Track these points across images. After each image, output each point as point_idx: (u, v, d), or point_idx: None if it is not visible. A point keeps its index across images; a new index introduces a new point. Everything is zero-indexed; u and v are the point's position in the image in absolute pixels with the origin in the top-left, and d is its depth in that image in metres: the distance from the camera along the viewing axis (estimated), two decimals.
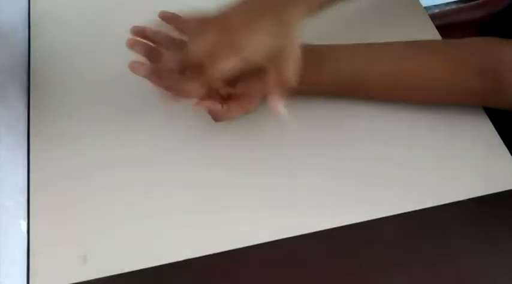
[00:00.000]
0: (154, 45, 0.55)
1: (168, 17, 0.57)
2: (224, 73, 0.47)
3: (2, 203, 0.48)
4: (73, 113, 0.59)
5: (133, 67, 0.53)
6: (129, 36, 0.56)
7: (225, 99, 0.54)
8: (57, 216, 0.53)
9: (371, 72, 0.55)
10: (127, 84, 0.60)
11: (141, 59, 0.55)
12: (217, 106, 0.53)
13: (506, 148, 0.56)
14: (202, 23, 0.49)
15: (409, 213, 0.52)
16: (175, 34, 0.57)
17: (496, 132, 0.57)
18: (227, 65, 0.47)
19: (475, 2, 0.82)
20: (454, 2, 1.49)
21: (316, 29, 0.63)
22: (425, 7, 0.67)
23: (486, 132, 0.57)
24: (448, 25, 0.79)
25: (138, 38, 0.55)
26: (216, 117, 0.54)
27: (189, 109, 0.58)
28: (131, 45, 0.54)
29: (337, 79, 0.55)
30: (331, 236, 0.51)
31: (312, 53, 0.54)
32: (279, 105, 0.48)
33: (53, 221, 0.52)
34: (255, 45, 0.47)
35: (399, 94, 0.57)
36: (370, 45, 0.56)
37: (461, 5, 0.85)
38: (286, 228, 0.51)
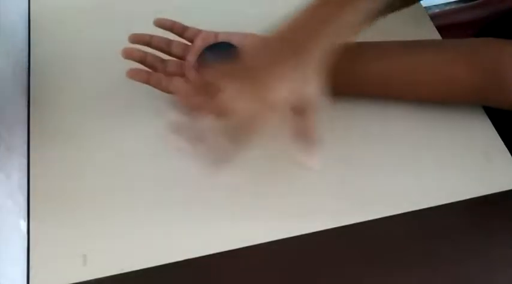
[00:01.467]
0: (149, 53, 0.56)
1: (165, 25, 0.58)
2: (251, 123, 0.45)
3: (2, 203, 0.48)
4: (73, 113, 0.59)
5: (132, 74, 0.55)
6: (129, 35, 0.56)
7: None
8: (57, 216, 0.53)
9: (369, 69, 0.55)
10: (127, 84, 0.60)
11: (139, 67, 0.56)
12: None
13: (506, 148, 0.56)
14: (226, 73, 0.46)
15: (409, 213, 0.52)
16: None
17: (496, 132, 0.57)
18: (255, 116, 0.44)
19: (475, 2, 0.82)
20: (454, 2, 1.50)
21: None
22: (425, 7, 0.67)
23: (486, 132, 0.57)
24: (448, 25, 0.79)
25: (133, 46, 0.56)
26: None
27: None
28: (127, 54, 0.55)
29: (336, 75, 0.55)
30: (331, 236, 0.51)
31: None
32: (307, 157, 0.46)
33: (53, 221, 0.52)
34: (281, 94, 0.44)
35: (398, 92, 0.57)
36: (370, 43, 0.56)
37: (462, 5, 0.85)
38: (286, 228, 0.51)
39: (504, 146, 0.56)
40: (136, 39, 0.57)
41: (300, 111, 0.45)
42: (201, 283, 0.50)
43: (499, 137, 0.57)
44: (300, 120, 0.46)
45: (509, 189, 0.53)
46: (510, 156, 0.55)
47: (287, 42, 0.46)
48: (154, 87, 0.55)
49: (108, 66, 0.62)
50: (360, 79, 0.56)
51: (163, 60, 0.57)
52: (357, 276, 0.50)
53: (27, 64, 0.63)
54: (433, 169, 0.55)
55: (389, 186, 0.54)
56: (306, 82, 0.45)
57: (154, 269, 0.49)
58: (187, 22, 0.59)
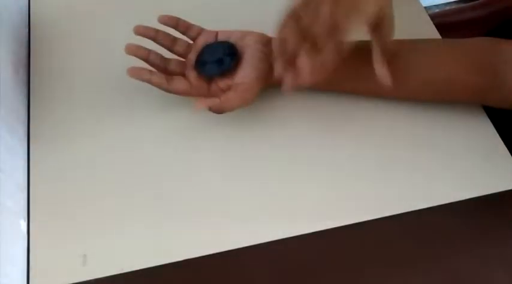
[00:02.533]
0: (152, 51, 0.56)
1: (169, 22, 0.57)
2: (349, 35, 0.48)
3: (2, 203, 0.48)
4: (73, 113, 0.59)
5: (133, 72, 0.54)
6: (129, 36, 0.56)
7: (224, 91, 0.55)
8: (57, 216, 0.53)
9: (369, 68, 0.55)
10: (127, 83, 0.60)
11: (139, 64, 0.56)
12: (215, 100, 0.53)
13: (506, 148, 0.56)
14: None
15: (408, 213, 0.52)
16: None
17: (496, 132, 0.57)
18: (352, 27, 0.47)
19: (475, 1, 0.82)
20: (454, 1, 1.50)
21: None
22: (425, 7, 0.67)
23: (486, 132, 0.57)
24: (448, 25, 0.79)
25: (137, 38, 0.56)
26: (217, 110, 0.54)
27: (190, 110, 0.58)
28: (130, 50, 0.55)
29: (336, 72, 0.55)
30: (331, 236, 0.51)
31: None
32: (384, 69, 0.51)
33: (53, 221, 0.52)
34: (371, 9, 0.48)
35: (398, 91, 0.57)
36: (369, 42, 0.56)
37: (461, 4, 0.85)
38: (286, 228, 0.51)
39: (504, 146, 0.56)
40: (142, 32, 0.56)
41: (377, 27, 0.50)
42: (201, 283, 0.50)
43: (499, 137, 0.57)
44: (378, 34, 0.50)
45: (509, 189, 0.53)
46: (510, 156, 0.55)
47: None
48: (156, 86, 0.55)
49: (109, 66, 0.62)
50: (357, 77, 0.56)
51: (165, 59, 0.57)
52: (356, 276, 0.50)
53: (27, 64, 0.63)
54: (432, 169, 0.55)
55: (389, 186, 0.54)
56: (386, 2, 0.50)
57: (154, 269, 0.49)
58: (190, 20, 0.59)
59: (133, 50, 0.55)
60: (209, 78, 0.55)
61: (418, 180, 0.54)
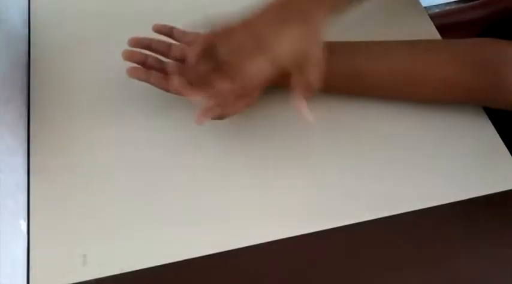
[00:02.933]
0: (149, 55, 0.56)
1: (163, 31, 0.58)
2: (255, 76, 0.48)
3: (2, 203, 0.48)
4: (73, 113, 0.59)
5: (131, 73, 0.54)
6: (129, 36, 0.56)
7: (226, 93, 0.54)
8: (57, 216, 0.53)
9: (370, 69, 0.55)
10: (127, 84, 0.60)
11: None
12: (216, 111, 0.52)
13: (506, 148, 0.56)
14: (227, 29, 0.50)
15: (408, 213, 0.52)
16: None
17: (496, 132, 0.57)
18: (259, 68, 0.47)
19: (475, 1, 0.82)
20: (454, 2, 1.50)
21: None
22: (425, 7, 0.67)
23: (486, 132, 0.57)
24: (448, 25, 0.79)
25: (134, 49, 0.56)
26: (219, 118, 0.54)
27: (190, 111, 0.58)
28: (128, 56, 0.55)
29: (335, 74, 0.55)
30: (331, 236, 0.51)
31: None
32: (304, 107, 0.49)
33: (53, 221, 0.52)
34: (283, 48, 0.47)
35: (398, 92, 0.57)
36: (370, 43, 0.56)
37: (461, 5, 0.85)
38: (285, 228, 0.51)
39: (504, 146, 0.56)
40: (136, 43, 0.57)
41: (299, 66, 0.48)
42: (201, 283, 0.50)
43: (499, 137, 0.57)
44: (299, 74, 0.49)
45: (509, 189, 0.53)
46: (510, 156, 0.55)
47: (291, 7, 0.49)
48: (154, 85, 0.55)
49: (109, 66, 0.62)
50: (358, 78, 0.56)
51: (162, 62, 0.57)
52: (356, 276, 0.50)
53: (27, 64, 0.63)
54: (432, 169, 0.55)
55: (389, 186, 0.54)
56: (309, 38, 0.48)
57: (154, 269, 0.49)
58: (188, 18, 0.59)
59: (131, 56, 0.56)
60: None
61: (417, 180, 0.54)
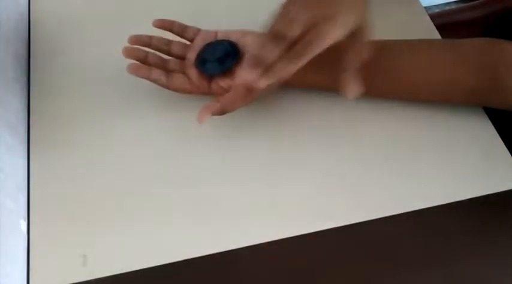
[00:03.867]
0: (150, 52, 0.56)
1: (163, 26, 0.58)
2: (328, 43, 0.47)
3: (2, 203, 0.48)
4: (73, 113, 0.59)
5: (132, 69, 0.54)
6: (129, 35, 0.56)
7: (225, 90, 0.54)
8: (57, 216, 0.53)
9: (368, 68, 0.55)
10: (127, 83, 0.60)
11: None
12: (215, 106, 0.52)
13: (506, 148, 0.56)
14: (287, 4, 0.49)
15: (409, 213, 0.52)
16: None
17: (496, 132, 0.57)
18: (334, 34, 0.47)
19: (475, 1, 0.82)
20: (454, 1, 1.50)
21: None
22: (425, 7, 0.67)
23: (486, 132, 0.57)
24: (448, 25, 0.79)
25: (134, 46, 0.56)
26: (219, 113, 0.53)
27: (190, 111, 0.58)
28: (128, 53, 0.55)
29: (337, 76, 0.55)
30: (331, 236, 0.51)
31: None
32: (355, 81, 0.49)
33: (53, 221, 0.52)
34: (346, 18, 0.47)
35: (397, 92, 0.57)
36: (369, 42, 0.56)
37: (461, 4, 0.85)
38: (285, 228, 0.51)
39: (504, 146, 0.56)
40: (135, 40, 0.57)
41: (353, 38, 0.48)
42: (201, 283, 0.50)
43: (499, 137, 0.57)
44: (354, 46, 0.49)
45: (509, 189, 0.53)
46: (510, 156, 0.55)
47: None
48: (155, 82, 0.55)
49: (109, 66, 0.62)
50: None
51: (163, 59, 0.57)
52: (356, 276, 0.50)
53: (27, 63, 0.63)
54: (433, 169, 0.55)
55: (389, 186, 0.54)
56: (363, 9, 0.49)
57: (154, 269, 0.49)
58: (187, 21, 0.59)
59: (131, 52, 0.55)
60: (210, 77, 0.55)
61: (418, 180, 0.54)
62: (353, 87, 0.50)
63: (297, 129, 0.57)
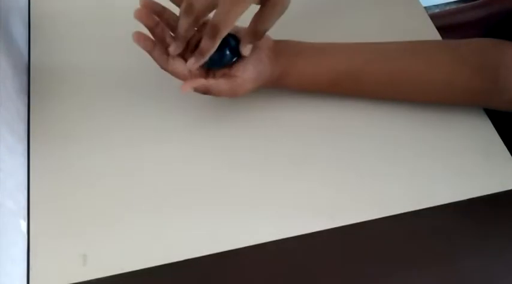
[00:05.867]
0: (161, 23, 0.52)
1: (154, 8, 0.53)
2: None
3: (2, 203, 0.48)
4: (73, 113, 0.59)
5: (138, 38, 0.51)
6: (129, 36, 0.56)
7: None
8: (57, 216, 0.53)
9: (369, 70, 0.55)
10: (128, 83, 0.60)
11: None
12: (200, 81, 0.51)
13: (506, 148, 0.56)
14: None
15: (409, 212, 0.52)
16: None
17: (496, 132, 0.57)
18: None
19: (475, 2, 0.82)
20: (454, 2, 1.50)
21: (315, 29, 0.63)
22: (425, 7, 0.67)
23: (486, 132, 0.57)
24: (448, 25, 0.79)
25: (146, 10, 0.52)
26: (203, 91, 0.53)
27: (190, 109, 0.58)
28: (140, 15, 0.51)
29: (336, 75, 0.55)
30: (331, 236, 0.51)
31: (312, 48, 0.55)
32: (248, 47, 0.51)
33: (53, 221, 0.52)
34: None
35: (398, 93, 0.57)
36: (370, 44, 0.56)
37: (461, 5, 0.85)
38: (286, 228, 0.51)
39: (504, 146, 0.56)
40: (149, 5, 0.52)
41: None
42: (201, 283, 0.50)
43: (499, 137, 0.57)
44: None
45: (509, 188, 0.53)
46: (510, 156, 0.55)
47: None
48: (154, 59, 0.52)
49: (109, 66, 0.62)
50: (357, 79, 0.56)
51: (169, 36, 0.53)
52: (356, 276, 0.50)
53: (27, 64, 0.63)
54: (432, 169, 0.55)
55: (389, 185, 0.54)
56: None
57: (154, 269, 0.49)
58: None
59: (142, 16, 0.51)
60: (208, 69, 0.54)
61: (418, 180, 0.54)
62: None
63: (297, 130, 0.57)
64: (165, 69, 0.53)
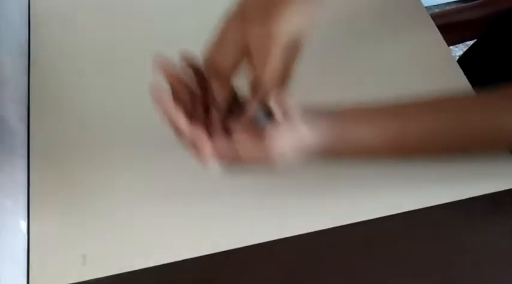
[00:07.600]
0: (186, 83, 0.45)
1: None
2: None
3: (2, 203, 0.48)
4: (73, 114, 0.59)
5: (156, 96, 0.41)
6: (129, 35, 0.56)
7: None
8: (57, 216, 0.53)
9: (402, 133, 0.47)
10: (128, 84, 0.60)
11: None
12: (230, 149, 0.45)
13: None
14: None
15: (409, 212, 0.52)
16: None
17: None
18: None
19: (475, 2, 0.82)
20: (455, 1, 1.50)
21: (315, 29, 0.63)
22: (426, 7, 0.67)
23: None
24: (448, 25, 0.79)
25: (165, 59, 0.44)
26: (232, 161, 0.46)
27: None
28: (160, 65, 0.43)
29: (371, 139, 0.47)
30: (331, 236, 0.51)
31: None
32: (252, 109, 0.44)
33: (53, 221, 0.52)
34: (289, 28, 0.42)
35: (446, 150, 0.49)
36: (410, 104, 0.47)
37: (462, 4, 0.85)
38: (286, 228, 0.51)
39: None
40: (163, 65, 0.43)
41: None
42: (201, 283, 0.50)
43: None
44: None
45: (510, 188, 0.53)
46: (510, 156, 0.55)
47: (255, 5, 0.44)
48: (171, 127, 0.44)
49: (109, 66, 0.62)
50: (405, 140, 0.47)
51: (194, 103, 0.45)
52: (356, 276, 0.50)
53: (27, 64, 0.63)
54: (433, 169, 0.55)
55: (389, 185, 0.54)
56: (267, 38, 0.43)
57: (154, 269, 0.49)
58: (187, 21, 0.59)
59: (164, 67, 0.43)
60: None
61: (418, 180, 0.54)
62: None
63: None
64: (177, 137, 0.45)
